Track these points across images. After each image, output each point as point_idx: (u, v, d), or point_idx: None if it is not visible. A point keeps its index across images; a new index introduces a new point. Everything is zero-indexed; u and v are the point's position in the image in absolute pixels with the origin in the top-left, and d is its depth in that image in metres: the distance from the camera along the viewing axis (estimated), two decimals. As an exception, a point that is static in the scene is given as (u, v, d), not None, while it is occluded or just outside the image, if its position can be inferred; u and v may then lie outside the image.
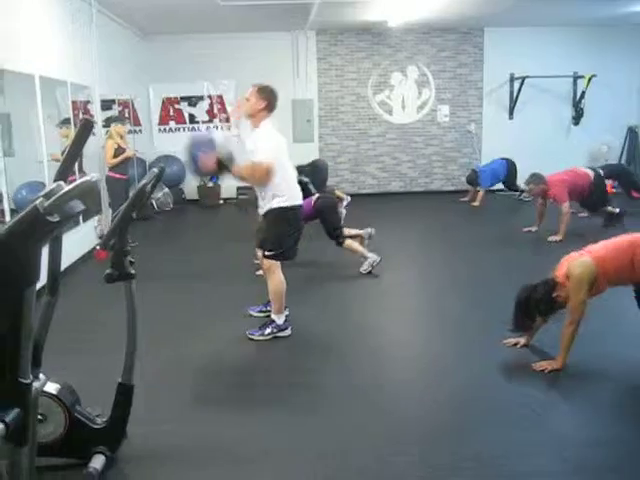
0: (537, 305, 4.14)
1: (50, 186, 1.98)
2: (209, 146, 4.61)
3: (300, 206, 4.84)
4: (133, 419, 3.13)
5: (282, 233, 4.73)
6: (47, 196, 1.80)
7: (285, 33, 12.00)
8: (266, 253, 4.77)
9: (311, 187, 8.35)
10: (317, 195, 7.22)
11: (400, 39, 12.39)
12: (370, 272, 6.64)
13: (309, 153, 11.69)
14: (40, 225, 1.74)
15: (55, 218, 1.75)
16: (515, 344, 4.48)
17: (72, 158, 2.66)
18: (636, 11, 10.51)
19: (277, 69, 12.10)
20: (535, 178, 8.34)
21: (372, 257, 6.68)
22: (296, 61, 12.28)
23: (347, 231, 7.07)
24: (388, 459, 3.16)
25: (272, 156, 4.53)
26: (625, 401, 3.77)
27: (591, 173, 8.49)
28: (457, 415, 3.62)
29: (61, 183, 1.99)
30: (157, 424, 3.48)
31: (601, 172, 8.72)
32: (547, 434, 3.35)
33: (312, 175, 9.10)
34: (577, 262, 4.08)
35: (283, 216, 4.70)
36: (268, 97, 4.65)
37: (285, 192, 4.68)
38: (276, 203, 4.66)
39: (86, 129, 2.63)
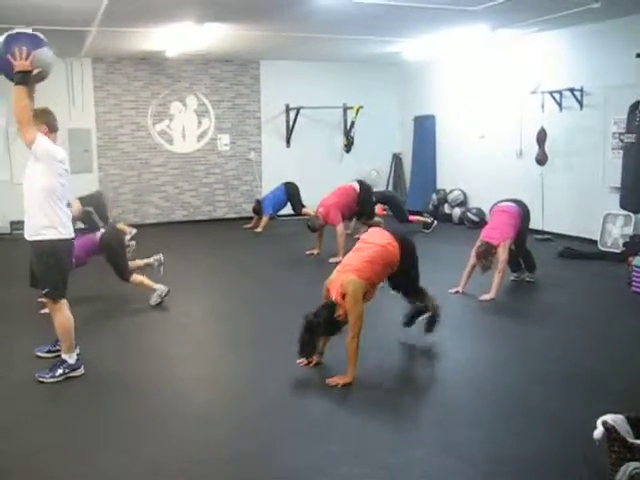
0: (321, 328, 4.44)
1: None
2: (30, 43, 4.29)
3: (71, 240, 4.68)
4: None
5: (50, 266, 4.53)
6: None
7: (59, 59, 11.48)
8: (44, 293, 4.61)
9: (95, 218, 8.12)
10: (103, 230, 7.01)
11: (179, 69, 12.47)
12: (160, 303, 6.60)
13: (88, 184, 11.29)
14: None
15: None
16: (308, 363, 4.72)
17: None
18: (394, 51, 11.54)
19: (51, 97, 11.50)
20: (314, 219, 8.93)
21: (160, 288, 6.65)
22: (71, 89, 11.84)
23: (135, 263, 6.98)
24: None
25: (39, 138, 4.37)
26: (406, 405, 4.14)
27: (356, 185, 9.19)
28: (260, 435, 3.75)
29: None
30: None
31: (366, 182, 9.51)
32: (346, 444, 3.60)
33: (93, 206, 8.86)
34: (348, 281, 4.45)
35: (52, 249, 4.51)
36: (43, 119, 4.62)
37: (59, 221, 4.51)
38: (49, 235, 4.47)
39: None
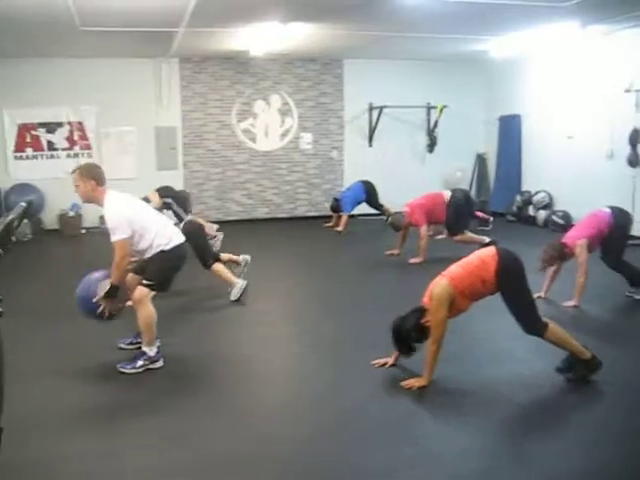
0: (409, 334, 4.39)
1: None
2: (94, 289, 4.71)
3: (183, 243, 4.93)
4: (2, 463, 3.01)
5: (167, 267, 4.82)
6: None
7: (147, 60, 11.85)
8: (144, 281, 4.75)
9: (176, 209, 8.28)
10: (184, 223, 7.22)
11: (263, 68, 12.62)
12: (240, 298, 6.68)
13: (173, 181, 11.54)
14: None
15: None
16: (384, 364, 4.68)
17: None
18: (480, 50, 11.33)
19: (139, 96, 11.96)
20: (398, 216, 8.82)
21: (240, 283, 6.75)
22: (159, 88, 12.16)
23: (224, 256, 7.11)
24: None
25: (121, 231, 4.57)
26: (486, 412, 4.03)
27: (446, 194, 9.02)
28: (334, 435, 3.74)
29: None
30: (29, 467, 3.35)
31: (458, 195, 9.26)
32: (420, 447, 3.55)
33: (173, 197, 9.01)
34: (437, 284, 4.38)
35: (170, 254, 4.78)
36: (92, 174, 4.68)
37: (161, 239, 4.76)
38: (159, 249, 4.74)
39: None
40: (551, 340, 4.42)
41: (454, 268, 4.49)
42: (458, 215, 8.90)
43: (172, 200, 8.60)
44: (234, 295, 6.71)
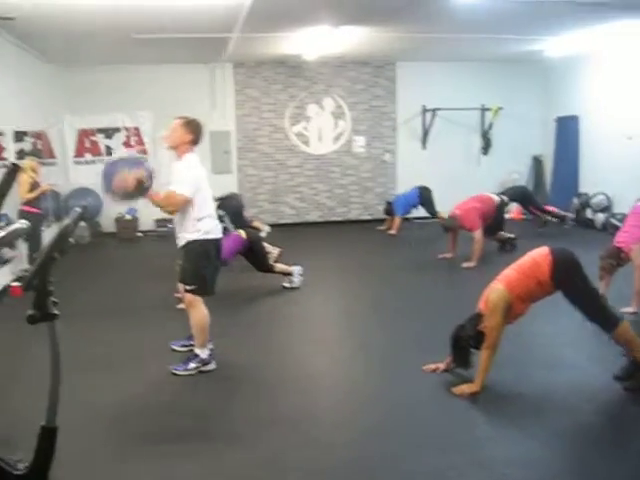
0: (468, 341, 4.36)
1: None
2: (131, 165, 4.71)
3: (219, 239, 4.88)
4: (57, 463, 3.06)
5: (200, 266, 4.73)
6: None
7: (202, 65, 12.04)
8: (187, 288, 4.77)
9: (227, 221, 8.37)
10: (241, 231, 7.40)
11: (316, 72, 12.65)
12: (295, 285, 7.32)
13: (228, 184, 11.71)
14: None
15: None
16: (434, 369, 4.63)
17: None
18: (536, 49, 11.12)
19: (194, 101, 12.11)
20: (451, 220, 8.73)
21: (297, 269, 7.40)
22: (213, 93, 12.33)
23: (279, 266, 7.47)
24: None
25: (188, 188, 4.57)
26: (539, 419, 3.93)
27: (496, 198, 8.94)
28: (384, 440, 3.72)
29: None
30: (82, 468, 3.42)
31: (505, 199, 9.36)
32: (470, 454, 3.49)
33: (227, 209, 9.08)
34: (493, 290, 4.31)
35: (202, 248, 4.71)
36: (194, 131, 4.71)
37: (206, 225, 4.72)
38: (196, 235, 4.68)
39: (12, 173, 2.60)
40: (620, 337, 4.24)
41: (508, 272, 4.42)
42: (504, 219, 9.30)
43: (225, 213, 8.74)
44: (296, 282, 7.30)
